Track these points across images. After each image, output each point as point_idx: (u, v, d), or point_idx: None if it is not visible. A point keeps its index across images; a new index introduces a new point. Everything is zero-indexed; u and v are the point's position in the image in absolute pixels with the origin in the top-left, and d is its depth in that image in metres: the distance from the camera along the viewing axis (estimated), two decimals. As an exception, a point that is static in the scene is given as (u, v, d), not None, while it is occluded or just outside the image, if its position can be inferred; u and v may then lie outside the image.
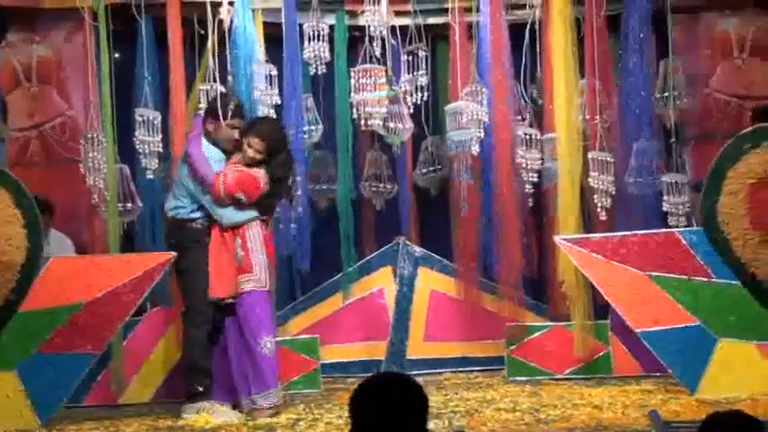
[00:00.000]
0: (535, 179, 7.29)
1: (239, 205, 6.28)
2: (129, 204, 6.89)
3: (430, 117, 7.69)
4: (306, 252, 7.36)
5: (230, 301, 6.30)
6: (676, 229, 6.65)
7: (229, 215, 6.29)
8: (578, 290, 7.06)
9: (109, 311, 6.23)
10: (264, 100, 6.92)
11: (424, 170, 7.92)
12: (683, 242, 6.38)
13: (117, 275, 6.25)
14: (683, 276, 6.36)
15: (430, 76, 7.19)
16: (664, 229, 6.69)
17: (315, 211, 7.79)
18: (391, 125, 7.07)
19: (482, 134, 7.09)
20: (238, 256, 6.27)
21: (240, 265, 6.27)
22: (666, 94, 7.28)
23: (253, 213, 6.32)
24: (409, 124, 7.23)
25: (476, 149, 7.10)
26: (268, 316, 6.35)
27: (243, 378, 6.32)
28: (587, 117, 7.14)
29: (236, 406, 6.39)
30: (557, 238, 6.71)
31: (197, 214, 6.34)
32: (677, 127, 7.30)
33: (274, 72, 7.02)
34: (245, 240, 6.28)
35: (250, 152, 6.32)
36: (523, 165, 7.24)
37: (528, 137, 7.27)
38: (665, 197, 7.02)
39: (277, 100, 6.99)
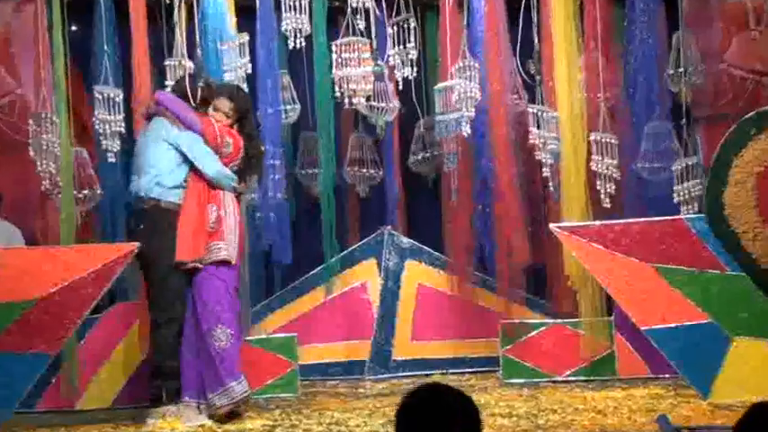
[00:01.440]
0: (551, 160, 7.20)
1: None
2: (87, 191, 6.80)
3: (423, 96, 7.67)
4: (287, 244, 7.29)
5: (192, 265, 6.08)
6: (684, 216, 6.60)
7: (224, 175, 6.17)
8: (586, 285, 7.00)
9: (65, 308, 6.03)
10: (233, 72, 6.81)
11: (420, 156, 7.95)
12: (692, 230, 6.27)
13: (74, 268, 6.05)
14: (693, 269, 6.26)
15: (419, 51, 7.12)
16: (669, 217, 6.60)
17: (295, 198, 7.79)
18: (374, 104, 7.01)
19: (473, 113, 7.02)
20: (211, 223, 6.11)
21: (212, 231, 6.12)
22: (681, 69, 7.24)
23: (235, 179, 6.24)
24: (395, 103, 7.17)
25: (467, 131, 7.03)
26: (227, 305, 6.17)
27: (199, 375, 6.19)
28: (590, 95, 7.10)
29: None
30: (552, 226, 6.63)
31: (176, 195, 6.13)
32: (688, 106, 7.23)
33: (246, 38, 6.89)
34: (220, 207, 6.15)
35: (218, 116, 6.24)
36: (539, 144, 7.17)
37: (541, 114, 7.20)
38: (676, 187, 6.99)
39: (248, 68, 6.86)
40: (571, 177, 7.02)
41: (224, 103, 6.24)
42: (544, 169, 7.25)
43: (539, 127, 7.15)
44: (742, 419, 2.88)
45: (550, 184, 7.31)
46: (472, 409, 2.80)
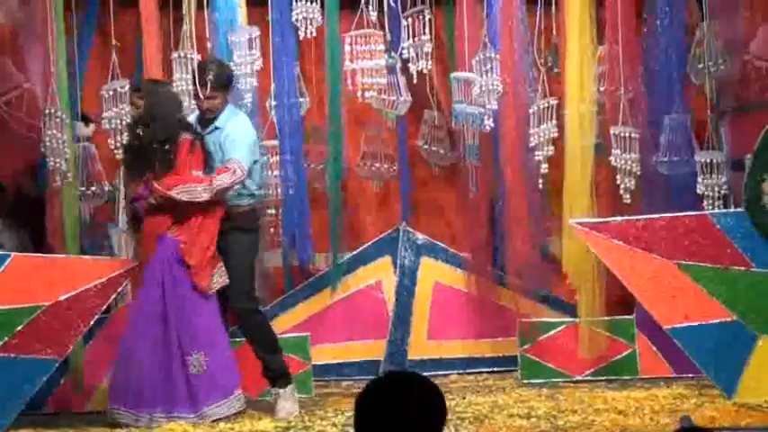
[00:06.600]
0: (551, 152, 7.16)
1: None
2: (93, 188, 6.90)
3: (434, 89, 7.63)
4: (308, 239, 7.38)
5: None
6: (709, 212, 6.62)
7: None
8: (585, 280, 7.02)
9: (72, 316, 6.32)
10: (245, 67, 6.85)
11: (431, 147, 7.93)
12: (717, 226, 6.32)
13: (82, 278, 6.36)
14: (717, 266, 6.30)
15: (433, 43, 7.11)
16: (694, 212, 6.63)
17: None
18: (386, 97, 7.02)
19: (495, 107, 7.06)
20: None
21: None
22: (706, 61, 7.21)
23: None
24: (407, 97, 7.17)
25: (489, 124, 7.08)
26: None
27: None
28: (610, 88, 7.07)
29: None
30: (572, 222, 6.67)
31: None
32: (711, 99, 7.23)
33: (256, 33, 6.93)
34: None
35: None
36: (538, 139, 7.15)
37: (544, 107, 7.18)
38: (700, 178, 6.98)
39: (259, 65, 6.93)
40: (576, 172, 7.01)
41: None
42: (542, 166, 7.18)
43: (541, 122, 7.12)
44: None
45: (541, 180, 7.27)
46: (436, 395, 2.79)
